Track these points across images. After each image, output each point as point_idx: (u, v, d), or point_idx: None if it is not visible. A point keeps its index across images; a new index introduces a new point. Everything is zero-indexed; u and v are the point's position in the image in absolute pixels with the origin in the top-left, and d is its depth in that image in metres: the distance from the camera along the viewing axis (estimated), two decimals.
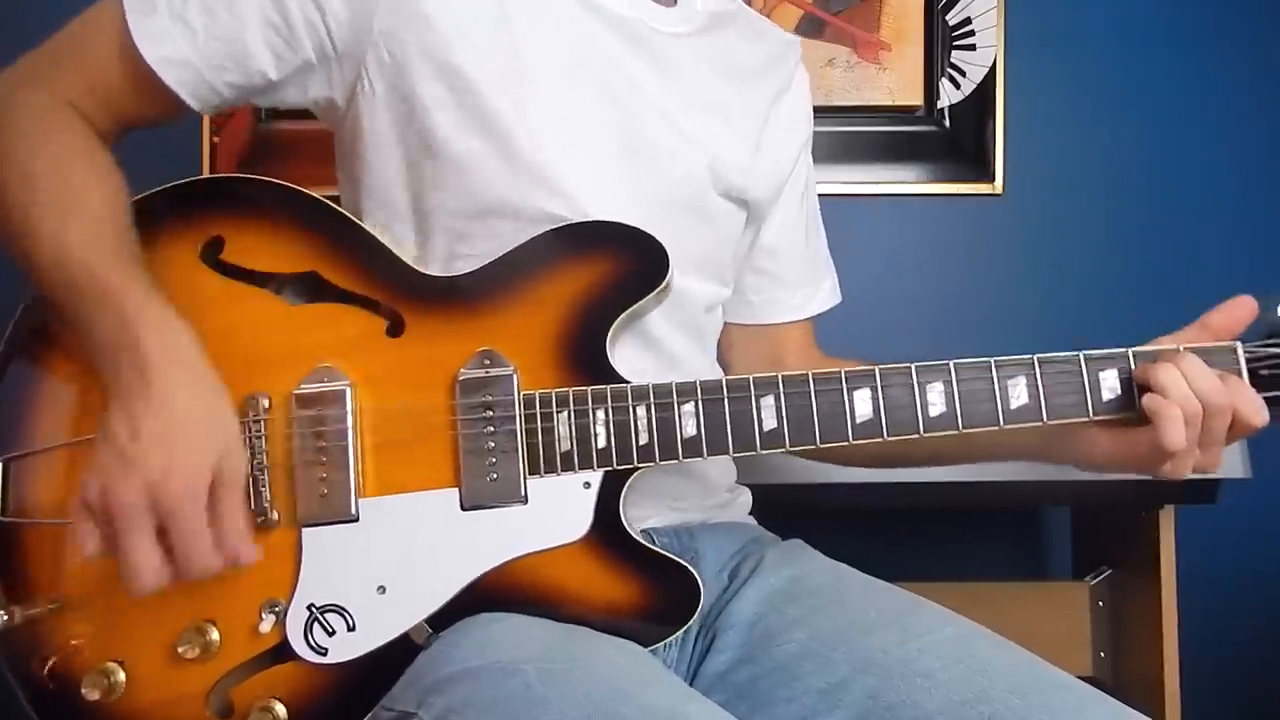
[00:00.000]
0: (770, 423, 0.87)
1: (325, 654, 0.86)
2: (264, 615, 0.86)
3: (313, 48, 0.92)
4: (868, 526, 1.74)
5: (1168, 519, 1.51)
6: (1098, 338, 1.93)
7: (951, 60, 1.92)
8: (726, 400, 0.88)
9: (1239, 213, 1.93)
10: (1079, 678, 0.82)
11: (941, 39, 1.92)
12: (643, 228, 0.91)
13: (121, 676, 0.87)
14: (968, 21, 1.92)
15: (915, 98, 1.93)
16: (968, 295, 1.92)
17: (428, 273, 0.92)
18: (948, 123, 1.92)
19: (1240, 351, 0.87)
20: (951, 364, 0.88)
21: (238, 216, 0.92)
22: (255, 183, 0.94)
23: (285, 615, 0.86)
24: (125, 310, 0.81)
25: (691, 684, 0.90)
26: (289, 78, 0.94)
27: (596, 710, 0.73)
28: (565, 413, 0.87)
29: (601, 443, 0.87)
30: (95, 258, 0.83)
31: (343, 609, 0.86)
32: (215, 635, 0.87)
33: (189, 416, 0.80)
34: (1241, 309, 0.88)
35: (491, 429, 0.87)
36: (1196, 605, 1.56)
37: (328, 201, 0.93)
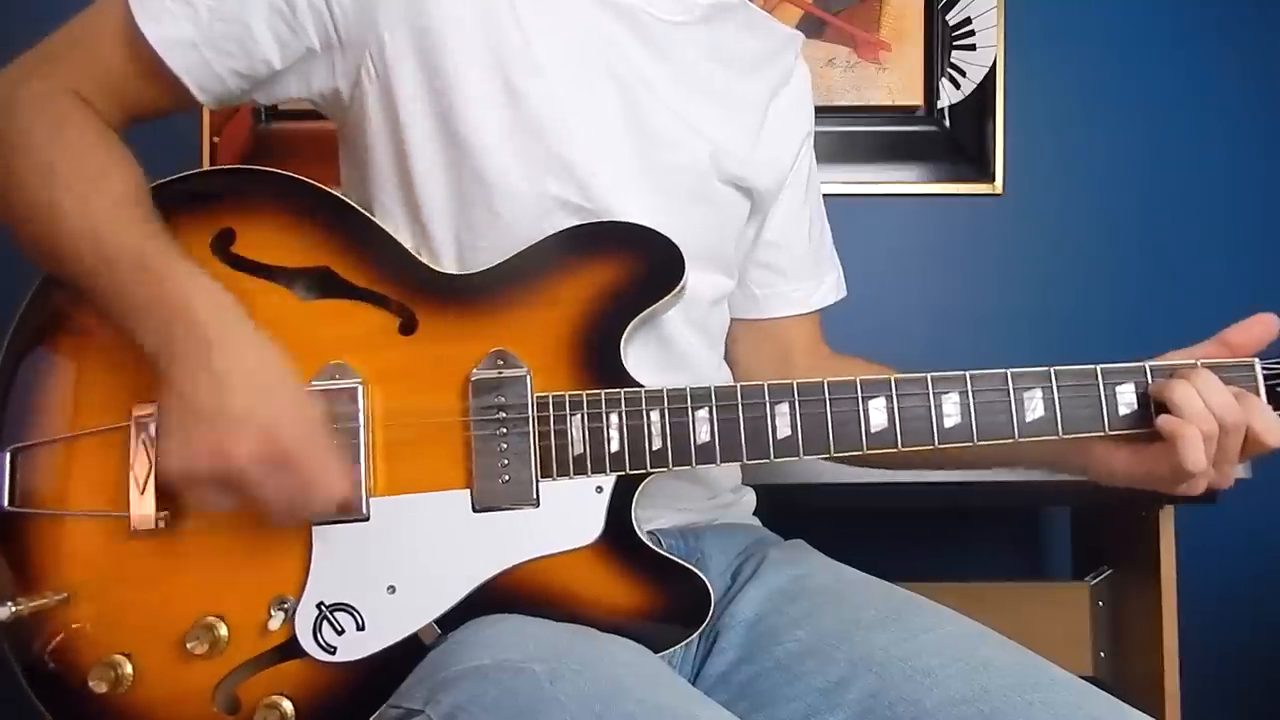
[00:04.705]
0: (784, 430, 0.87)
1: (334, 652, 0.85)
2: (273, 612, 0.86)
3: (316, 34, 0.92)
4: (868, 526, 1.73)
5: (1167, 519, 1.52)
6: (1097, 337, 1.95)
7: (951, 60, 1.93)
8: (741, 406, 0.87)
9: (1238, 212, 1.94)
10: (1079, 678, 0.83)
11: (941, 39, 1.93)
12: (656, 228, 0.90)
13: (129, 669, 0.86)
14: (968, 21, 1.92)
15: (915, 98, 1.94)
16: (967, 295, 1.93)
17: (441, 270, 0.92)
18: (948, 123, 1.93)
19: (1258, 368, 0.86)
20: (967, 375, 0.87)
21: (250, 209, 0.92)
22: (269, 175, 0.93)
23: (294, 613, 0.86)
24: (169, 277, 0.82)
25: (694, 684, 0.90)
26: (292, 67, 0.93)
27: (608, 711, 0.73)
28: (579, 415, 0.87)
29: (615, 447, 0.87)
30: (126, 229, 0.84)
31: (352, 608, 0.86)
32: (224, 631, 0.86)
33: (263, 368, 0.82)
34: (1261, 326, 0.87)
35: (504, 430, 0.87)
36: (1196, 605, 1.57)
37: (341, 196, 0.93)
